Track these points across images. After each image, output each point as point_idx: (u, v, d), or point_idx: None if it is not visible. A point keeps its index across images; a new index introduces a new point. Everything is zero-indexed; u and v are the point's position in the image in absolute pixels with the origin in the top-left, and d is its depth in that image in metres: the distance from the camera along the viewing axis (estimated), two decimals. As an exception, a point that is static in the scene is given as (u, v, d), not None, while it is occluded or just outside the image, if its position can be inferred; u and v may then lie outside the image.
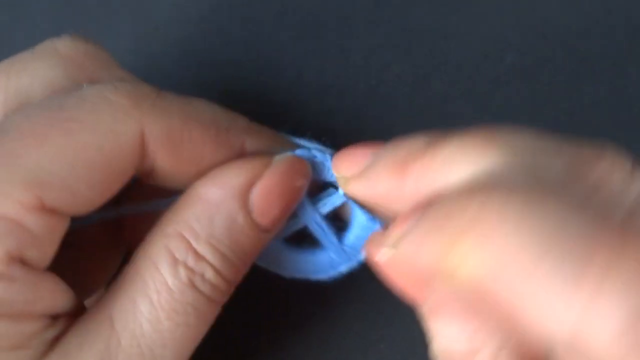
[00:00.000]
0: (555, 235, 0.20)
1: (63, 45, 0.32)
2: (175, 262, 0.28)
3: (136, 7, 0.41)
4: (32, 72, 0.31)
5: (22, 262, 0.27)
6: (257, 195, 0.30)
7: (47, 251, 0.28)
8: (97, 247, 0.34)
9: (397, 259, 0.26)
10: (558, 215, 0.21)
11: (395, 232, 0.26)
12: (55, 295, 0.28)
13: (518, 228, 0.21)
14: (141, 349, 0.28)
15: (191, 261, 0.28)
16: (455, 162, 0.25)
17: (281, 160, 0.31)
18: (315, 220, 0.33)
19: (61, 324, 0.29)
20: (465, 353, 0.24)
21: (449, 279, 0.23)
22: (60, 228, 0.28)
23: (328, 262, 0.34)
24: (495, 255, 0.21)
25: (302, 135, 0.33)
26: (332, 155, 0.32)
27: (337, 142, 0.40)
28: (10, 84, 0.31)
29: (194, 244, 0.29)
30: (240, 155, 0.31)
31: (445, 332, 0.25)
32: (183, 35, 0.40)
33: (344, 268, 0.34)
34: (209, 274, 0.29)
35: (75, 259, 0.32)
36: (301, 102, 0.40)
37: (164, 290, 0.28)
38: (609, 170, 0.22)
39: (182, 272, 0.28)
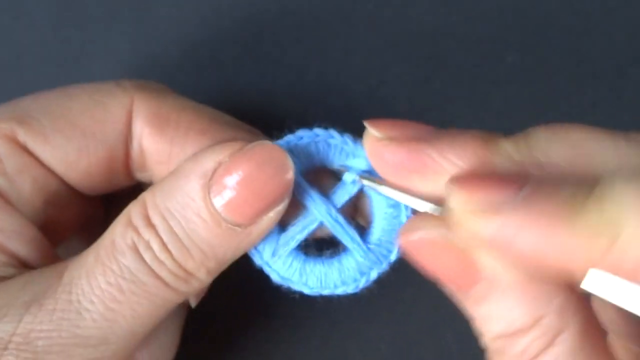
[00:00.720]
0: None
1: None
2: (128, 223, 0.28)
3: (136, 7, 0.41)
4: None
5: None
6: (218, 174, 0.28)
7: (16, 185, 0.30)
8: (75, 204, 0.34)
9: (489, 231, 0.23)
10: None
11: (481, 195, 0.23)
12: (19, 234, 0.30)
13: None
14: (70, 297, 0.28)
15: (141, 226, 0.28)
16: (554, 146, 0.24)
17: (256, 145, 0.28)
18: (330, 215, 0.30)
19: (20, 270, 0.30)
20: (528, 323, 0.24)
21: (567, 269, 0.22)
22: (36, 174, 0.31)
23: (355, 268, 0.31)
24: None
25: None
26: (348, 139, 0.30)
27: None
28: None
29: (149, 212, 0.28)
30: None
31: (499, 310, 0.25)
32: (183, 35, 0.40)
33: (374, 273, 0.30)
34: (155, 245, 0.28)
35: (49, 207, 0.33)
36: (301, 102, 0.40)
37: (109, 247, 0.28)
38: None
39: (130, 234, 0.28)
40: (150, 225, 0.28)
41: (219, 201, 0.28)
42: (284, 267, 0.30)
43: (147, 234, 0.28)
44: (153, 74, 0.40)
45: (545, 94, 0.40)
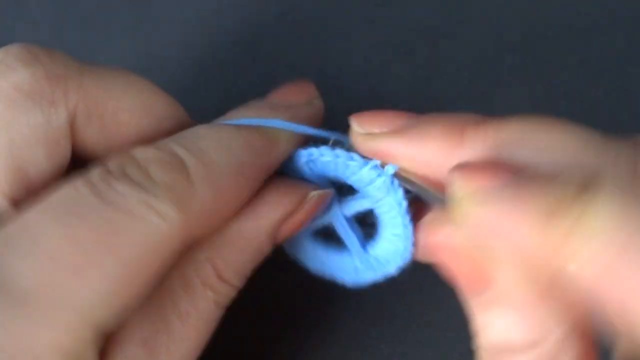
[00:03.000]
0: None
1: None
2: (205, 285, 0.29)
3: (136, 7, 0.41)
4: None
5: None
6: (286, 228, 0.30)
7: None
8: None
9: (476, 215, 0.23)
10: None
11: (472, 180, 0.23)
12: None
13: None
14: None
15: (218, 285, 0.29)
16: (541, 143, 0.24)
17: (316, 196, 0.30)
18: (339, 221, 0.33)
19: None
20: (526, 343, 0.24)
21: (551, 269, 0.22)
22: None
23: (352, 267, 0.33)
24: (612, 253, 0.20)
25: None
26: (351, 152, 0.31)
27: (337, 142, 0.40)
28: None
29: (222, 272, 0.29)
30: (183, 126, 0.29)
31: (502, 322, 0.25)
32: (183, 35, 0.40)
33: (368, 278, 0.33)
34: (234, 293, 0.29)
35: None
36: (301, 102, 0.40)
37: (192, 310, 0.28)
38: None
39: (210, 294, 0.29)
40: (225, 281, 0.29)
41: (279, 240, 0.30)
42: (295, 247, 0.33)
43: (225, 289, 0.29)
44: (153, 74, 0.40)
45: (545, 94, 0.40)
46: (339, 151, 0.30)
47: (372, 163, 0.30)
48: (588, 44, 0.40)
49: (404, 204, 0.30)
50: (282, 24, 0.41)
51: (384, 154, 0.29)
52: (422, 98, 0.40)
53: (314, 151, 0.31)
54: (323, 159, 0.31)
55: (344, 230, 0.32)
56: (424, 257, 0.30)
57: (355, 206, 0.32)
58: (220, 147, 0.28)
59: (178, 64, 0.40)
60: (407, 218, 0.30)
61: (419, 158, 0.28)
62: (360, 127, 0.30)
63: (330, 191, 0.32)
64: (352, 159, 0.30)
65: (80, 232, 0.24)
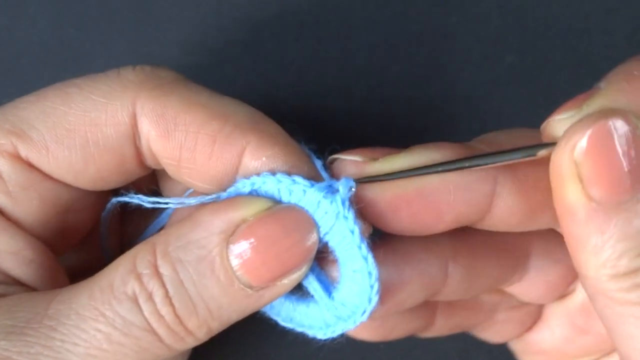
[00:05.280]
0: None
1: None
2: (132, 269, 0.27)
3: (136, 7, 0.41)
4: None
5: None
6: (240, 234, 0.27)
7: (21, 203, 0.29)
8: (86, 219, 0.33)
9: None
10: None
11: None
12: (17, 255, 0.28)
13: None
14: (54, 334, 0.26)
15: (146, 275, 0.27)
16: None
17: (282, 208, 0.27)
18: None
19: (14, 289, 0.28)
20: None
21: None
22: (43, 188, 0.29)
23: (320, 317, 0.29)
24: None
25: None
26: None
27: (337, 142, 0.40)
28: None
29: (159, 260, 0.27)
30: (239, 155, 0.29)
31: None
32: (183, 35, 0.40)
33: (338, 329, 0.29)
34: (158, 296, 0.26)
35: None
36: (301, 102, 0.40)
37: (105, 290, 0.27)
38: None
39: (132, 282, 0.27)
40: (157, 274, 0.27)
41: (236, 260, 0.27)
42: None
43: (151, 284, 0.26)
44: (153, 74, 0.40)
45: (545, 94, 0.40)
46: (281, 176, 0.27)
47: (319, 184, 0.27)
48: (588, 44, 0.40)
49: (356, 229, 0.27)
50: (282, 24, 0.41)
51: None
52: (422, 98, 0.40)
53: (256, 180, 0.28)
54: (265, 187, 0.28)
55: (309, 276, 0.29)
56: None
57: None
58: None
59: (178, 64, 0.40)
60: (365, 246, 0.27)
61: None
62: (356, 155, 0.29)
63: (311, 222, 0.27)
64: (294, 182, 0.27)
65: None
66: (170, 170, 0.30)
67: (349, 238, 0.27)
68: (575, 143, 0.24)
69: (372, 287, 0.27)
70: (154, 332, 0.27)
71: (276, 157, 0.28)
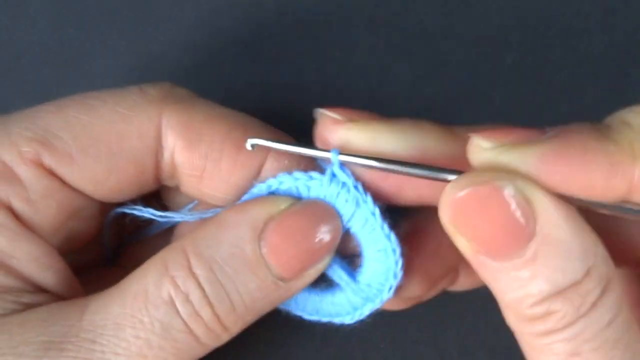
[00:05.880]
0: None
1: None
2: (164, 273, 0.27)
3: (136, 7, 0.41)
4: None
5: (10, 210, 0.29)
6: (271, 229, 0.28)
7: (40, 211, 0.29)
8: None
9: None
10: None
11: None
12: (38, 261, 0.29)
13: None
14: (94, 347, 0.27)
15: (181, 277, 0.27)
16: None
17: (308, 203, 0.29)
18: None
19: (43, 298, 0.29)
20: (580, 276, 0.25)
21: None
22: (61, 196, 0.29)
23: (347, 303, 0.31)
24: None
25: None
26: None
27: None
28: None
29: (192, 261, 0.28)
30: (262, 162, 0.30)
31: (553, 268, 0.25)
32: (183, 35, 0.40)
33: (366, 310, 0.30)
34: (196, 297, 0.27)
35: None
36: (301, 102, 0.40)
37: (140, 297, 0.27)
38: None
39: (166, 286, 0.27)
40: (192, 275, 0.27)
41: (269, 254, 0.28)
42: None
43: (187, 285, 0.27)
44: (153, 74, 0.40)
45: (545, 94, 0.40)
46: (298, 173, 0.29)
47: (333, 178, 0.28)
48: (588, 44, 0.40)
49: (377, 211, 0.29)
50: (282, 24, 0.41)
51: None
52: (422, 98, 0.40)
53: (272, 182, 0.30)
54: (282, 187, 0.30)
55: (328, 265, 0.30)
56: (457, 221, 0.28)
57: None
58: None
59: (178, 64, 0.40)
60: (386, 226, 0.29)
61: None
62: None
63: (323, 202, 0.29)
64: (311, 178, 0.29)
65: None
66: (189, 182, 0.30)
67: (371, 220, 0.29)
68: (450, 201, 0.25)
69: (396, 262, 0.29)
70: (191, 333, 0.27)
71: (294, 158, 0.30)
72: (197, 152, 0.30)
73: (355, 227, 0.30)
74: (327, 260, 0.29)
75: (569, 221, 0.25)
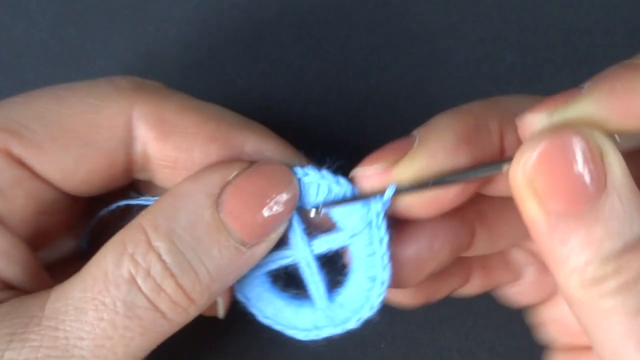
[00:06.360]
0: None
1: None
2: (123, 252, 0.27)
3: (136, 7, 0.41)
4: None
5: None
6: (228, 193, 0.27)
7: (8, 200, 0.29)
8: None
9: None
10: None
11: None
12: (5, 255, 0.28)
13: None
14: (57, 334, 0.26)
15: (140, 253, 0.27)
16: None
17: (263, 164, 0.29)
18: (306, 258, 0.29)
19: (9, 295, 0.28)
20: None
21: None
22: (30, 186, 0.29)
23: (311, 319, 0.30)
24: None
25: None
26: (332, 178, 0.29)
27: (337, 141, 0.40)
28: None
29: (150, 235, 0.27)
30: (237, 153, 0.30)
31: (621, 225, 0.25)
32: (183, 35, 0.40)
33: (324, 332, 0.29)
34: (157, 270, 0.27)
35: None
36: (301, 102, 0.40)
37: (100, 279, 0.27)
38: None
39: (126, 263, 0.27)
40: (152, 249, 0.27)
41: (228, 218, 0.27)
42: (247, 286, 0.30)
43: (147, 260, 0.26)
44: (153, 74, 0.40)
45: (545, 94, 0.40)
46: (326, 172, 0.29)
47: (372, 198, 0.27)
48: (588, 44, 0.40)
49: (386, 239, 0.28)
50: (282, 24, 0.41)
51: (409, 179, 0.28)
52: (422, 98, 0.40)
53: (298, 170, 0.29)
54: (306, 180, 0.29)
55: (310, 272, 0.29)
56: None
57: (327, 242, 0.29)
58: None
59: (178, 64, 0.40)
60: (387, 257, 0.28)
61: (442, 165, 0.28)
62: (380, 161, 0.29)
63: (281, 163, 0.29)
64: (338, 182, 0.28)
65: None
66: (163, 174, 0.30)
67: (375, 245, 0.28)
68: (527, 159, 0.25)
69: (379, 296, 0.28)
70: (156, 309, 0.27)
71: (275, 151, 0.30)
72: (169, 143, 0.29)
73: (356, 245, 0.29)
74: (286, 223, 0.29)
75: (628, 173, 0.25)
